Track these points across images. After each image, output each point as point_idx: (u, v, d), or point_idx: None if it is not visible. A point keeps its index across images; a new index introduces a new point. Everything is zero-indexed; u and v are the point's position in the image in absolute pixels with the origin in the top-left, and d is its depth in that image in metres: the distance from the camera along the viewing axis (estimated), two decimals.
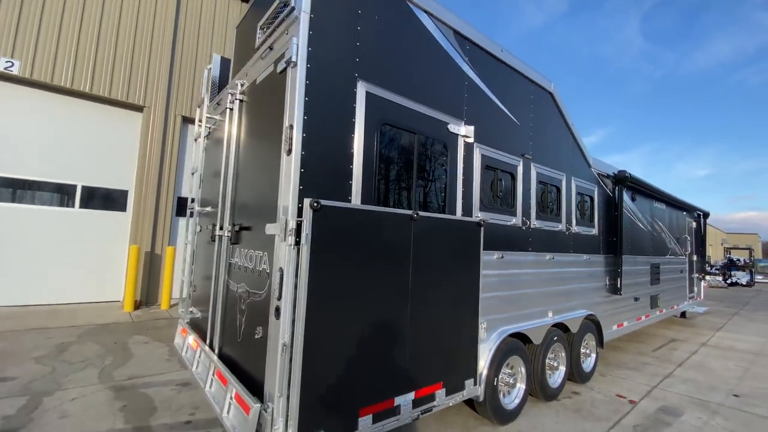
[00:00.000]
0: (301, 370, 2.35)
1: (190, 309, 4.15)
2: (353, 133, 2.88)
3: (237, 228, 3.30)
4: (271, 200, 2.77)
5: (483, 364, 3.65)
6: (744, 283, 23.26)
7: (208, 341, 3.68)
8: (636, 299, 7.07)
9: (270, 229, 2.65)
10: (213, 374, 3.25)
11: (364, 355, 2.70)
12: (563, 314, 4.96)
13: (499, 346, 3.81)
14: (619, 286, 6.14)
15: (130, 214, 9.38)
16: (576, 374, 5.13)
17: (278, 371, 2.41)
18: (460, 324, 3.45)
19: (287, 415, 2.39)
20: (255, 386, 2.67)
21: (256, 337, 2.69)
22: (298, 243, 2.46)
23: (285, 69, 2.72)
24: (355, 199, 2.84)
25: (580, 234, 5.59)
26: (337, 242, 2.56)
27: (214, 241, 3.84)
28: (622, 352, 7.18)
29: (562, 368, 4.85)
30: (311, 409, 2.38)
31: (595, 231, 5.97)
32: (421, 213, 3.08)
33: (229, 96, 3.79)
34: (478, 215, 3.86)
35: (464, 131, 3.75)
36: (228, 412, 2.78)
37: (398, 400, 2.88)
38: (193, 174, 4.59)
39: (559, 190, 5.20)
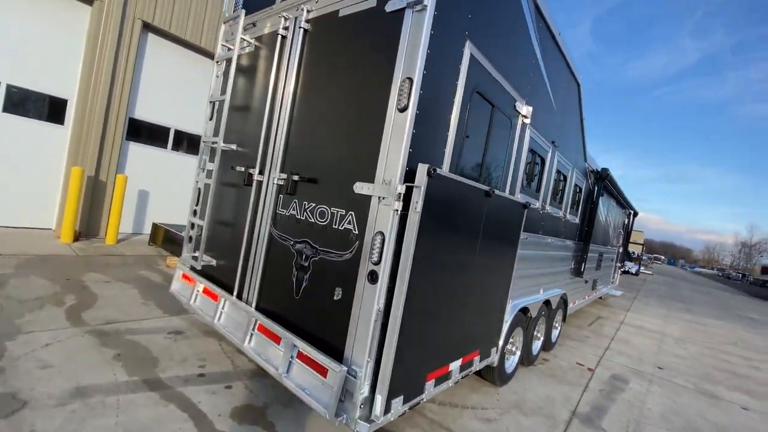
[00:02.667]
0: (397, 337, 2.31)
1: (200, 255, 3.73)
2: (454, 97, 2.71)
3: (295, 178, 2.98)
4: (361, 157, 2.54)
5: (502, 334, 3.92)
6: (633, 273, 27.65)
7: (236, 293, 3.39)
8: (585, 282, 8.04)
9: (363, 189, 2.45)
10: (253, 329, 3.03)
11: (438, 323, 2.73)
12: (548, 292, 5.47)
13: (513, 318, 4.10)
14: (582, 269, 6.90)
15: (69, 129, 7.88)
16: (546, 344, 5.78)
17: (370, 336, 2.34)
18: (498, 297, 3.63)
19: (375, 380, 2.36)
20: (322, 347, 2.56)
21: (335, 298, 2.55)
22: (405, 209, 2.32)
23: (401, 10, 2.41)
24: (445, 168, 2.73)
25: (569, 221, 6.09)
26: (439, 211, 2.47)
27: (249, 185, 3.44)
28: (566, 326, 8.22)
29: (541, 338, 5.42)
30: (395, 375, 2.38)
31: (577, 220, 6.54)
32: (496, 191, 3.07)
33: (283, 20, 3.27)
34: (518, 196, 3.97)
35: (525, 111, 3.74)
36: (288, 371, 2.65)
37: (452, 366, 3.00)
38: (212, 103, 3.96)
39: (566, 179, 5.53)
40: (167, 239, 8.06)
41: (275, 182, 3.15)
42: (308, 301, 2.77)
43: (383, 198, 2.36)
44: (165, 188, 9.50)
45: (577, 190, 6.32)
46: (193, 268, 3.90)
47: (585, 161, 6.35)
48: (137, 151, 8.99)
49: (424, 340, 2.60)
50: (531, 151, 4.15)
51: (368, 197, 2.45)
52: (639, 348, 7.38)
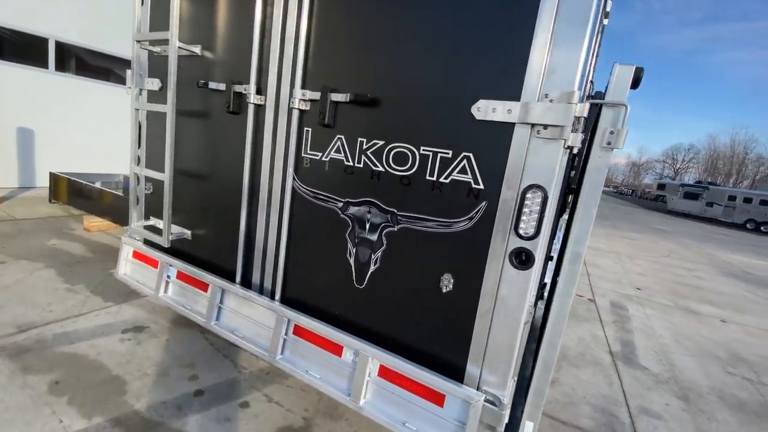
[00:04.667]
0: (559, 345, 1.53)
1: (166, 225, 2.45)
2: None
3: (336, 98, 1.81)
4: (485, 55, 1.49)
5: None
6: None
7: (239, 278, 2.28)
8: None
9: (496, 112, 1.46)
10: (287, 333, 2.04)
11: None
12: None
13: None
14: None
15: None
16: None
17: (516, 345, 1.54)
18: None
19: (516, 403, 1.61)
20: (420, 360, 1.72)
21: (444, 290, 1.63)
22: (577, 146, 1.40)
23: None
24: None
25: None
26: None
27: (236, 112, 2.16)
28: None
29: None
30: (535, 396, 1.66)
31: None
32: None
33: None
34: None
35: None
36: (364, 394, 1.79)
37: None
38: None
39: None
40: (75, 193, 6.10)
41: (293, 106, 1.94)
42: (384, 293, 1.82)
43: (542, 126, 1.40)
44: (58, 125, 7.08)
45: None
46: (151, 244, 2.62)
47: None
48: (4, 73, 6.35)
49: None
50: None
51: (506, 126, 1.46)
52: (609, 269, 7.75)
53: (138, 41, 2.37)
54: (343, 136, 1.85)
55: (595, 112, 1.44)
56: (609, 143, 1.36)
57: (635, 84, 1.35)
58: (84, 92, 7.67)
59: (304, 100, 1.92)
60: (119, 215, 5.52)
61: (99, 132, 7.98)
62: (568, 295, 1.48)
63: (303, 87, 1.93)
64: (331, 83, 1.83)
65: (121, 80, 8.49)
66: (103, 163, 7.86)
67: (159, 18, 2.47)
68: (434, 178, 1.63)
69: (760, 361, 4.27)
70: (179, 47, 2.22)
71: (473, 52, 1.51)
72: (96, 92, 7.92)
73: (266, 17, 2.03)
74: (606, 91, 1.38)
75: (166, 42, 2.32)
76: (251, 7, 2.02)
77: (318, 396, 2.56)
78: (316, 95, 1.87)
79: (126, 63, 8.35)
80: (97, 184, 6.37)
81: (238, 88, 2.13)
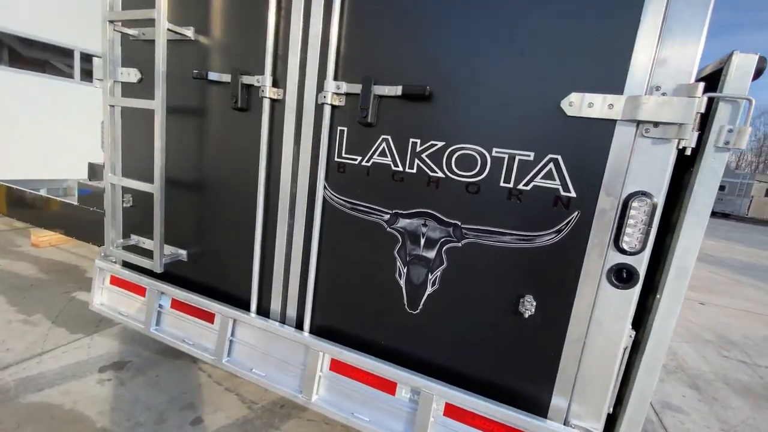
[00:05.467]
0: (658, 372, 1.36)
1: (159, 247, 2.04)
2: None
3: (381, 91, 1.51)
4: (578, 37, 1.26)
5: None
6: None
7: (255, 306, 1.93)
8: None
9: (593, 107, 1.24)
10: (323, 368, 1.73)
11: None
12: None
13: None
14: None
15: None
16: None
17: (614, 376, 1.35)
18: None
19: None
20: (491, 393, 1.50)
21: (525, 315, 1.40)
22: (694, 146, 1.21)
23: None
24: None
25: None
26: None
27: (245, 109, 1.80)
28: None
29: None
30: None
31: None
32: None
33: None
34: None
35: None
36: None
37: None
38: None
39: None
40: (17, 202, 5.29)
41: (324, 101, 1.61)
42: (444, 318, 1.57)
43: (651, 124, 1.19)
44: None
45: None
46: (134, 266, 2.17)
47: None
48: None
49: None
50: None
51: (605, 124, 1.25)
52: None
53: (111, 21, 1.92)
54: (389, 137, 1.56)
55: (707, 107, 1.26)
56: (727, 143, 1.18)
57: (756, 75, 1.18)
58: (17, 86, 6.68)
59: (339, 94, 1.61)
60: (73, 227, 4.83)
61: (36, 133, 7.01)
62: (673, 315, 1.31)
63: (336, 78, 1.60)
64: (374, 73, 1.53)
65: (59, 72, 7.50)
66: (43, 168, 6.93)
67: None
68: (511, 185, 1.39)
69: (746, 342, 4.49)
70: (169, 29, 1.81)
71: (564, 34, 1.27)
72: (31, 86, 6.93)
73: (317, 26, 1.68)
74: (721, 83, 1.20)
75: (146, 23, 1.90)
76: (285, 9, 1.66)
77: (345, 429, 2.28)
78: (355, 88, 1.56)
79: (64, 53, 7.39)
80: (42, 192, 5.56)
81: (247, 79, 1.77)
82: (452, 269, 1.53)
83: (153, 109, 1.83)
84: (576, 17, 1.25)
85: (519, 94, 1.34)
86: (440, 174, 1.49)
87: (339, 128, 1.65)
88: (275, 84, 1.74)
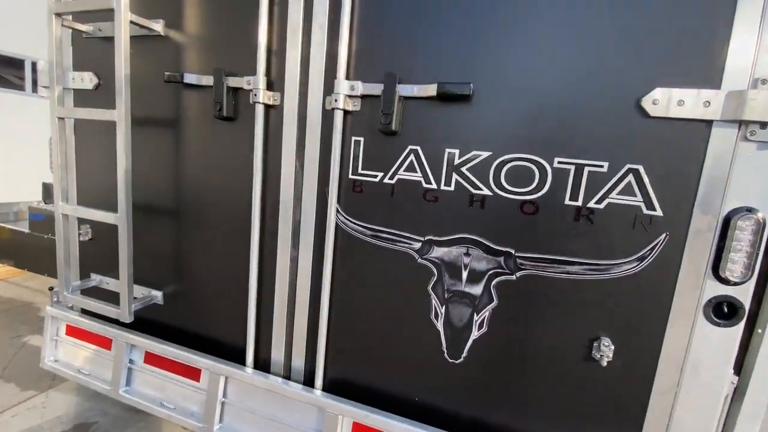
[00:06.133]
0: (761, 419, 1.12)
1: (126, 290, 1.66)
2: None
3: (407, 91, 1.22)
4: (656, 23, 1.02)
5: None
6: None
7: (251, 358, 1.57)
8: None
9: (684, 105, 1.01)
10: None
11: None
12: None
13: None
14: None
15: None
16: None
17: (716, 426, 1.10)
18: None
19: None
20: None
21: (602, 361, 1.13)
22: None
23: None
24: None
25: None
26: None
27: (231, 118, 1.47)
28: None
29: None
30: None
31: None
32: None
33: None
34: None
35: None
36: None
37: None
38: None
39: None
40: None
41: (334, 106, 1.30)
42: (496, 369, 1.27)
43: (758, 125, 0.96)
44: None
45: None
46: (95, 314, 1.76)
47: None
48: None
49: None
50: None
51: (698, 126, 1.01)
52: None
53: (58, 15, 1.54)
54: (418, 147, 1.26)
55: None
56: None
57: None
58: None
59: (353, 97, 1.30)
60: (25, 258, 4.24)
61: None
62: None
63: (349, 77, 1.30)
64: (398, 70, 1.24)
65: (8, 84, 6.81)
66: None
67: None
68: (579, 203, 1.13)
69: None
70: (132, 23, 1.45)
71: (644, 15, 1.02)
72: None
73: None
74: None
75: (104, 16, 1.54)
76: None
77: None
78: (374, 89, 1.26)
79: (12, 63, 6.72)
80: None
81: (234, 81, 1.43)
82: (505, 308, 1.24)
83: (114, 120, 1.47)
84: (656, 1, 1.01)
85: (587, 90, 1.09)
86: (486, 191, 1.21)
87: (353, 138, 1.34)
88: (270, 86, 1.41)
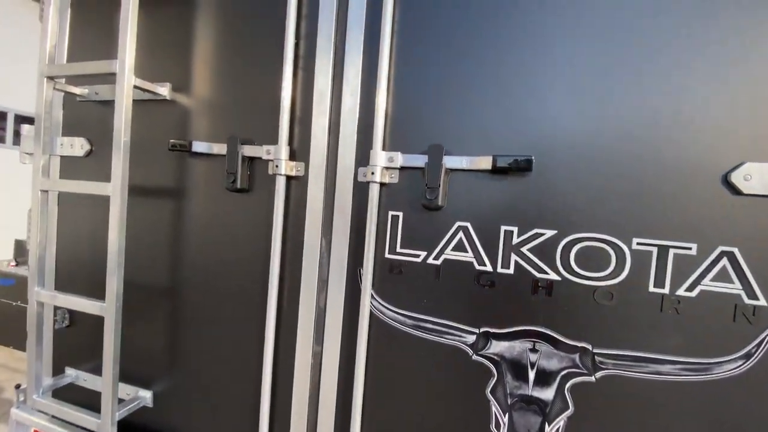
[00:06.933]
0: None
1: (82, 382, 1.37)
2: None
3: (455, 164, 1.09)
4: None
5: None
6: None
7: None
8: None
9: None
10: None
11: None
12: None
13: None
14: None
15: None
16: None
17: None
18: None
19: None
20: None
21: None
22: None
23: None
24: None
25: None
26: None
27: (245, 190, 1.30)
28: None
29: None
30: None
31: None
32: None
33: None
34: None
35: None
36: None
37: None
38: None
39: None
40: None
41: (370, 179, 1.15)
42: None
43: None
44: None
45: None
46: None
47: None
48: None
49: None
50: None
51: None
52: None
53: (50, 78, 1.38)
54: (468, 224, 1.11)
55: None
56: None
57: None
58: None
59: (390, 169, 1.16)
60: None
61: None
62: None
63: (385, 147, 1.16)
64: (443, 139, 1.11)
65: None
66: None
67: (85, 41, 1.53)
68: (665, 290, 0.97)
69: None
70: (135, 87, 1.31)
71: (731, 74, 0.93)
72: None
73: (302, 20, 1.25)
74: None
75: (102, 79, 1.40)
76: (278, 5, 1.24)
77: None
78: (416, 160, 1.12)
79: None
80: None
81: (251, 150, 1.28)
82: (584, 416, 1.03)
83: (108, 195, 1.27)
84: (746, 54, 0.92)
85: (668, 161, 0.96)
86: (553, 275, 1.04)
87: (391, 213, 1.18)
88: (293, 156, 1.26)
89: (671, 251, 0.96)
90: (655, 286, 0.97)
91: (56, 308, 1.57)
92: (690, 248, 0.95)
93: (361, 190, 1.20)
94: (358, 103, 1.20)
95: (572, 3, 1.02)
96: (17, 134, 6.80)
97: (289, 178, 1.26)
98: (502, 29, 1.08)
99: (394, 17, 1.16)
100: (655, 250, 0.97)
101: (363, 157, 1.19)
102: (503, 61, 1.08)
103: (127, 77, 1.26)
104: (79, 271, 1.52)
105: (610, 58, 1.00)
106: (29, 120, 7.11)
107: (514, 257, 1.07)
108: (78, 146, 1.53)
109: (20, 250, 5.28)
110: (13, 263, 5.17)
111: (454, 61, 1.12)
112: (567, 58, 1.03)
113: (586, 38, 1.02)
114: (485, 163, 1.05)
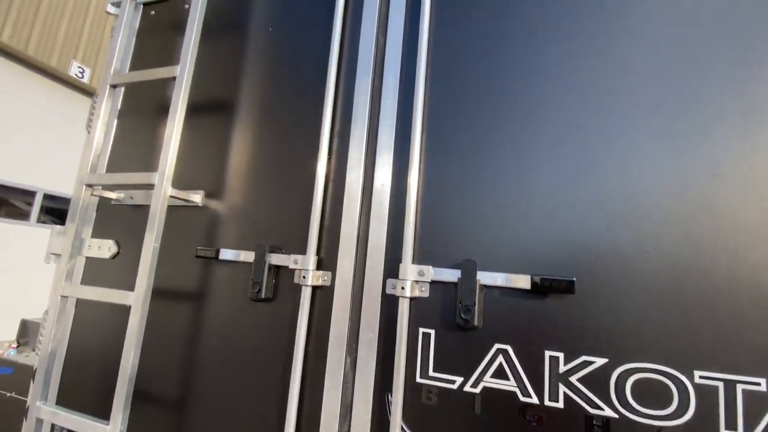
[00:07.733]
0: None
1: None
2: None
3: (491, 280, 1.05)
4: None
5: None
6: None
7: None
8: None
9: None
10: None
11: None
12: None
13: None
14: None
15: None
16: None
17: None
18: None
19: None
20: None
21: None
22: None
23: None
24: None
25: None
26: None
27: (268, 299, 1.26)
28: None
29: None
30: None
31: None
32: None
33: None
34: None
35: None
36: None
37: None
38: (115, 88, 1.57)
39: None
40: None
41: (400, 293, 1.11)
42: None
43: None
44: None
45: None
46: None
47: None
48: None
49: None
50: None
51: None
52: None
53: (89, 185, 1.45)
54: (508, 347, 1.03)
55: None
56: None
57: None
58: None
59: (420, 282, 1.12)
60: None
61: None
62: None
63: (415, 260, 1.14)
64: (475, 253, 1.09)
65: (14, 210, 6.83)
66: None
67: (126, 151, 1.63)
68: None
69: None
70: (171, 197, 1.35)
71: None
72: None
73: (334, 137, 1.32)
74: None
75: (139, 186, 1.45)
76: (311, 125, 1.31)
77: None
78: (448, 275, 1.09)
79: (24, 192, 6.84)
80: None
81: (278, 259, 1.27)
82: None
83: (130, 305, 1.24)
84: None
85: (731, 285, 0.91)
86: (609, 411, 0.93)
87: (422, 330, 1.11)
88: (320, 265, 1.24)
89: (738, 387, 0.87)
90: (727, 428, 0.86)
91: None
92: (759, 384, 0.86)
93: (389, 303, 1.15)
94: (386, 215, 1.21)
95: (602, 128, 1.06)
96: (44, 211, 7.09)
97: (315, 288, 1.23)
98: (537, 143, 1.12)
99: (423, 129, 1.22)
100: (720, 385, 0.88)
101: (391, 269, 1.16)
102: (535, 172, 1.10)
103: (165, 188, 1.31)
104: (87, 385, 1.43)
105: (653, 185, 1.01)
106: (56, 198, 7.42)
107: (562, 388, 0.97)
108: (105, 248, 1.54)
109: (24, 331, 5.14)
110: (15, 344, 5.00)
111: (486, 174, 1.15)
112: (615, 177, 1.04)
113: (627, 152, 1.04)
114: (523, 281, 1.02)
